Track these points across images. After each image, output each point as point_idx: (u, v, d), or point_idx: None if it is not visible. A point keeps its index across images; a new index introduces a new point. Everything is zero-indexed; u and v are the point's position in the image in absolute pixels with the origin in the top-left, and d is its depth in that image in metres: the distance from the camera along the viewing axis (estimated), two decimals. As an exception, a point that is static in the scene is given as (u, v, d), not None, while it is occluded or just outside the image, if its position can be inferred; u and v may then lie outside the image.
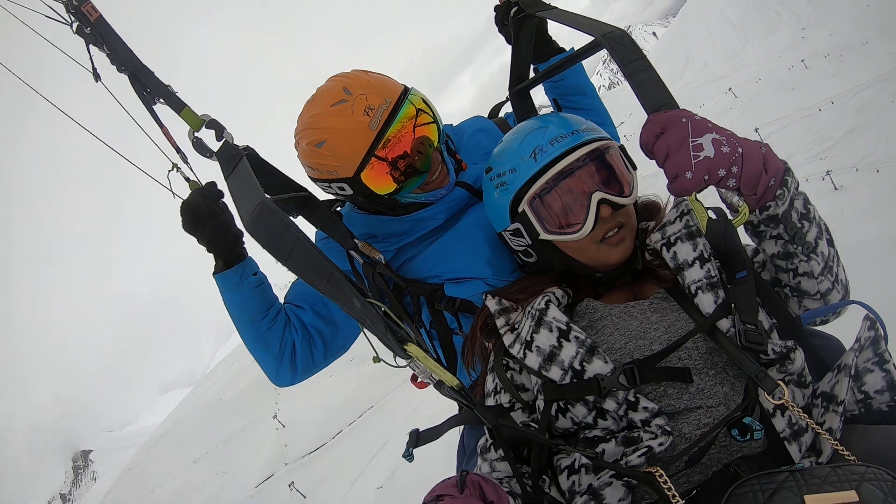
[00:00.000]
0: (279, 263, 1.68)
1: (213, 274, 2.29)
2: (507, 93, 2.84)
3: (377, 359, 2.01)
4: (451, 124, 2.83)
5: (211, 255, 2.31)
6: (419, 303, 2.47)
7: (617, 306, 1.86)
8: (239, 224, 2.22)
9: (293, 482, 23.43)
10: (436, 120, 2.29)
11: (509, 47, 2.60)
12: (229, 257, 2.27)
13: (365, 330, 1.86)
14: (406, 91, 2.25)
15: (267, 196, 1.71)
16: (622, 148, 2.00)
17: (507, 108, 2.93)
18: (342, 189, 2.26)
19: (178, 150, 2.33)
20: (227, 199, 2.28)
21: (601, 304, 1.90)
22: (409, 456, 1.68)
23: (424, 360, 1.59)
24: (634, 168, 1.97)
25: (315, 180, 2.33)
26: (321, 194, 2.51)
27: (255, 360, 2.41)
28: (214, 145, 2.08)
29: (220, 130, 2.09)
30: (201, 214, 2.20)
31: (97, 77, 2.33)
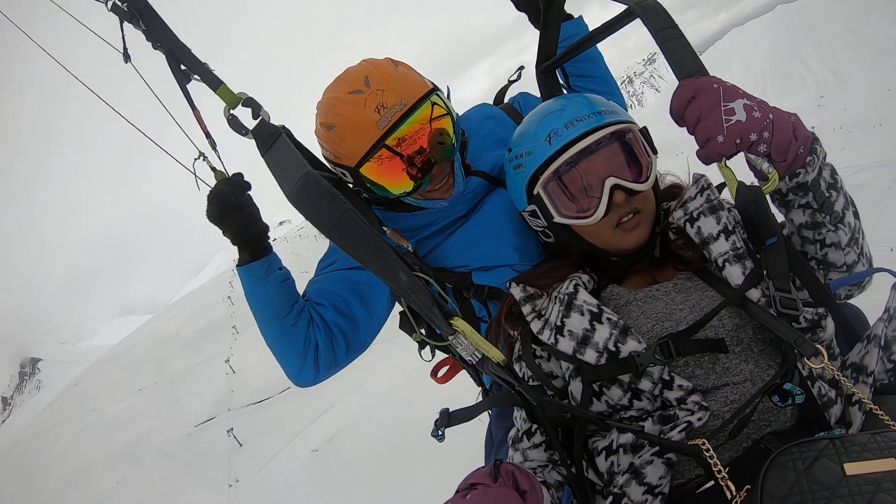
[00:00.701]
0: (323, 235, 1.67)
1: (238, 266, 2.27)
2: (506, 80, 2.86)
3: (419, 337, 2.08)
4: (458, 113, 2.78)
5: (236, 247, 2.26)
6: (445, 292, 2.42)
7: (641, 291, 1.85)
8: (265, 218, 2.25)
9: (232, 429, 23.35)
10: (450, 113, 2.23)
11: (530, 49, 2.52)
12: (255, 250, 2.22)
13: (408, 307, 1.98)
14: (430, 93, 2.19)
15: (311, 168, 1.69)
16: (644, 130, 1.95)
17: (511, 93, 2.91)
18: (344, 175, 2.25)
19: (208, 136, 2.31)
20: (253, 192, 2.28)
21: (625, 289, 1.89)
22: (440, 437, 1.63)
23: (471, 336, 1.59)
24: (655, 152, 1.94)
25: (324, 158, 2.32)
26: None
27: (277, 360, 2.35)
28: (250, 125, 2.05)
29: (256, 109, 2.05)
30: (229, 205, 2.15)
31: (127, 58, 2.29)
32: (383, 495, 12.17)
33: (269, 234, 2.30)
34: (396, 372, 18.01)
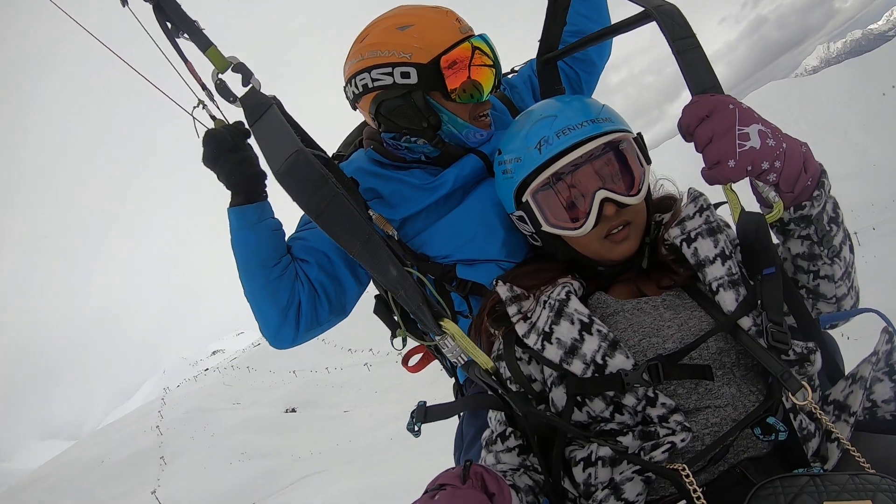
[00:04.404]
0: (311, 219, 1.57)
1: (229, 208, 2.11)
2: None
3: (402, 332, 1.97)
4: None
5: (228, 194, 2.13)
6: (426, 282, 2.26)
7: (629, 301, 1.77)
8: (264, 167, 2.09)
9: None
10: (495, 65, 2.16)
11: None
12: (250, 194, 2.08)
13: (395, 300, 1.83)
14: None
15: (303, 146, 1.60)
16: (638, 139, 1.85)
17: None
18: (405, 76, 2.06)
19: (204, 87, 2.10)
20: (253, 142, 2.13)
21: (613, 298, 1.81)
22: (416, 432, 1.54)
23: (461, 340, 1.53)
24: (648, 162, 1.83)
25: (370, 68, 2.10)
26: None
27: (256, 315, 2.19)
28: (239, 91, 1.93)
29: (247, 76, 1.90)
30: (225, 147, 2.02)
31: (125, 1, 2.08)
32: None
33: (266, 182, 2.15)
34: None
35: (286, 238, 2.28)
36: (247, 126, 1.85)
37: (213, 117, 2.10)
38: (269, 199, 2.13)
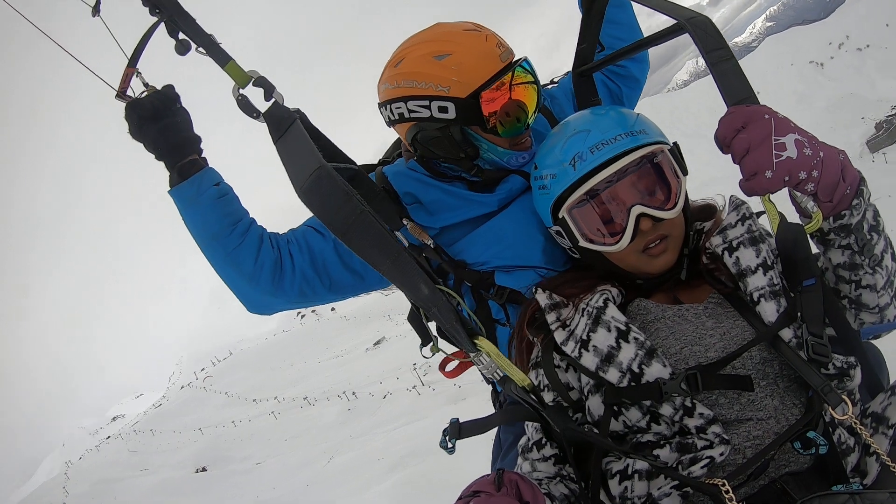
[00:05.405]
0: (338, 238, 1.48)
1: (168, 191, 2.01)
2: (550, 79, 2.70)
3: (435, 348, 1.89)
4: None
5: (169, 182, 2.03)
6: (461, 289, 2.21)
7: (670, 308, 1.72)
8: (197, 130, 2.05)
9: None
10: (538, 96, 2.12)
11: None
12: (182, 167, 1.98)
13: (426, 316, 1.76)
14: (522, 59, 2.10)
15: (325, 162, 1.52)
16: (674, 149, 1.80)
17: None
18: (443, 111, 1.99)
19: (122, 94, 2.01)
20: (185, 104, 2.05)
21: (654, 304, 1.76)
22: (450, 449, 1.52)
23: (497, 358, 1.51)
24: (685, 173, 1.78)
25: (406, 98, 2.04)
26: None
27: (228, 287, 2.12)
28: (261, 106, 1.80)
29: (269, 90, 1.81)
30: (144, 116, 1.93)
31: (96, 10, 2.00)
32: None
33: (202, 146, 2.05)
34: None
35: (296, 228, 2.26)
36: (272, 142, 1.70)
37: (145, 85, 2.03)
38: (209, 166, 2.05)
